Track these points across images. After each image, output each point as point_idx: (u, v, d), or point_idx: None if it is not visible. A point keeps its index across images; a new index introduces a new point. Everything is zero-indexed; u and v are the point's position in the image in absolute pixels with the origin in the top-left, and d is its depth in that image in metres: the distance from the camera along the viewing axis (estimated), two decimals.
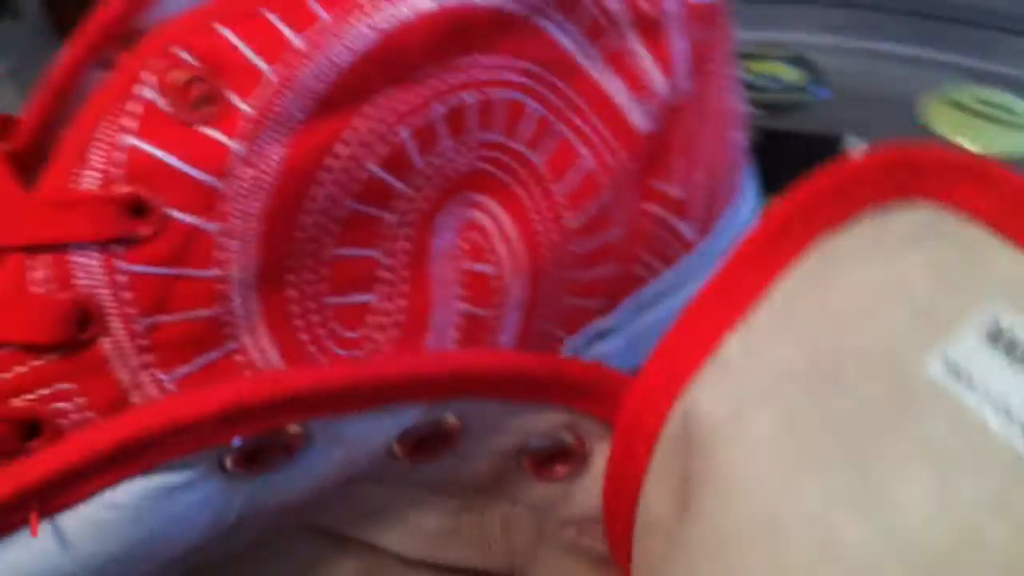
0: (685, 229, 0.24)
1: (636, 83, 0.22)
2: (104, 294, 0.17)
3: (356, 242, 0.19)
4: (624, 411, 0.15)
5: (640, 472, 0.15)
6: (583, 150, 0.22)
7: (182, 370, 0.18)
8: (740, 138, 0.25)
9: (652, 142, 0.23)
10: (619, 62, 0.22)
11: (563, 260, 0.22)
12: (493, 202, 0.21)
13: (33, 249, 0.17)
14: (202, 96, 0.17)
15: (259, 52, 0.17)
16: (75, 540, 0.12)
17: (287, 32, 0.18)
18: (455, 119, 0.19)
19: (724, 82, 0.24)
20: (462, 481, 0.15)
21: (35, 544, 0.11)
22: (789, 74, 0.30)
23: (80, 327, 0.17)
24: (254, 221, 0.18)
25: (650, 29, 0.22)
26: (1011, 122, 0.32)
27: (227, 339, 0.18)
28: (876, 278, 0.14)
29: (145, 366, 0.18)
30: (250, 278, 0.18)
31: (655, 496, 0.15)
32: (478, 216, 0.21)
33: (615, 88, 0.22)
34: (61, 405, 0.17)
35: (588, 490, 0.16)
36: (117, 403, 0.18)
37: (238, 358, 0.19)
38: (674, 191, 0.23)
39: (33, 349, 0.17)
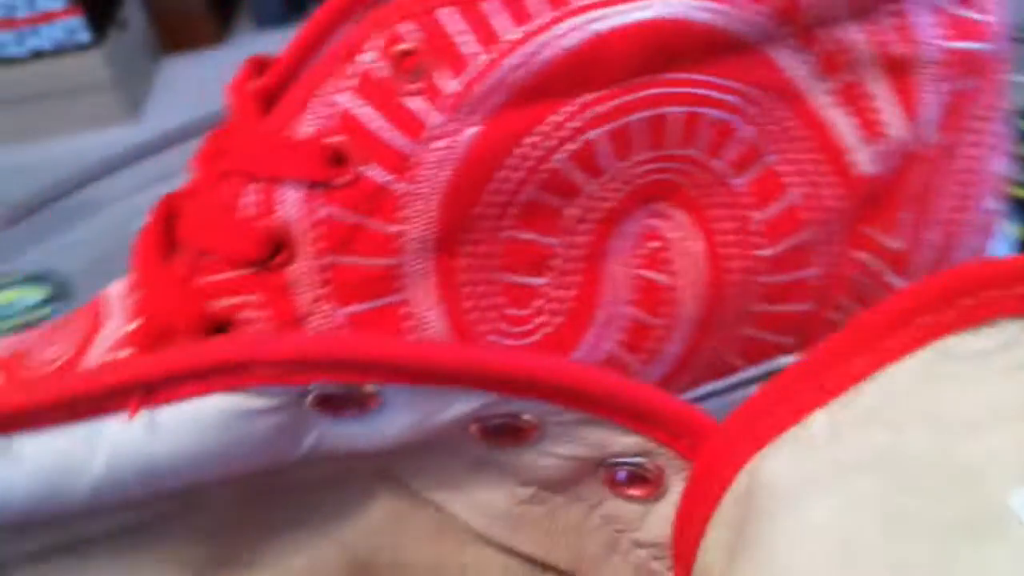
0: (900, 284, 0.23)
1: (868, 124, 0.21)
2: (299, 228, 0.19)
3: (534, 227, 0.20)
4: (702, 456, 0.15)
5: (706, 518, 0.15)
6: (792, 183, 0.21)
7: (353, 308, 0.20)
8: (994, 202, 0.23)
9: (875, 187, 0.21)
10: (853, 100, 0.21)
11: (749, 288, 0.22)
12: (683, 216, 0.21)
13: (252, 177, 0.20)
14: (415, 69, 0.19)
15: (475, 38, 0.19)
16: (163, 432, 0.14)
17: (504, 23, 0.19)
18: (655, 130, 0.20)
19: (984, 138, 0.22)
20: (537, 475, 0.16)
21: (131, 427, 0.14)
22: None
23: (274, 252, 0.20)
24: (439, 190, 0.19)
25: (898, 70, 0.21)
26: None
27: (397, 291, 0.20)
28: (993, 392, 0.13)
29: (322, 298, 0.20)
30: (428, 241, 0.20)
31: (712, 545, 0.15)
32: (663, 227, 0.21)
33: (843, 125, 0.21)
34: (248, 314, 0.20)
35: (663, 517, 0.16)
36: (293, 323, 0.20)
37: (404, 310, 0.20)
38: (893, 243, 0.22)
39: (234, 262, 0.20)
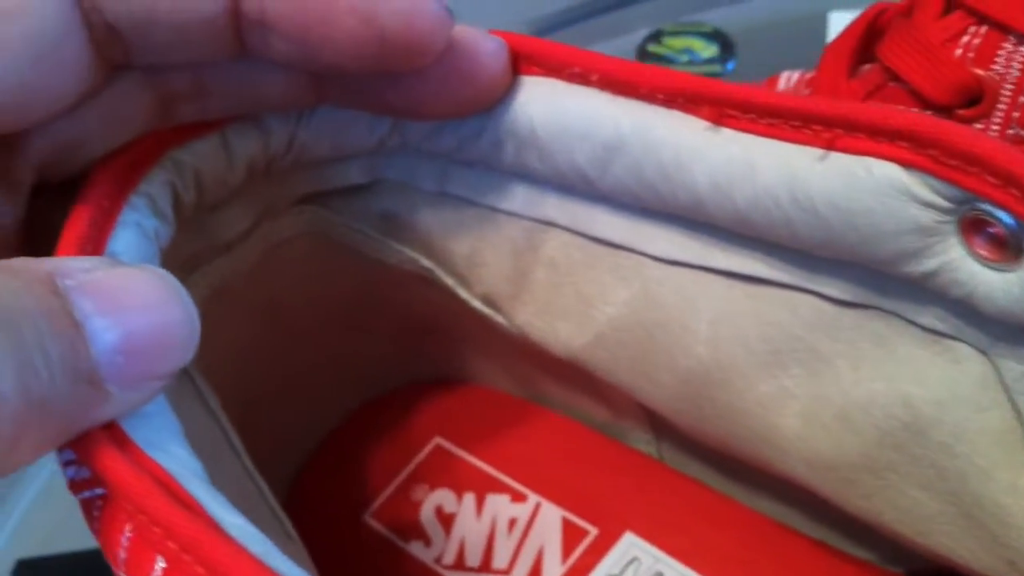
0: None
1: None
2: (1005, 88, 0.18)
3: None
4: None
5: None
6: None
7: None
8: None
9: None
10: None
11: None
12: None
13: (982, 19, 0.18)
14: None
15: None
16: (831, 172, 0.14)
17: None
18: None
19: None
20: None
21: (806, 155, 0.14)
22: None
23: (966, 104, 0.18)
24: None
25: None
26: None
27: None
28: None
29: None
30: None
31: None
32: None
33: None
34: None
35: None
36: None
37: None
38: None
39: (922, 98, 0.19)
